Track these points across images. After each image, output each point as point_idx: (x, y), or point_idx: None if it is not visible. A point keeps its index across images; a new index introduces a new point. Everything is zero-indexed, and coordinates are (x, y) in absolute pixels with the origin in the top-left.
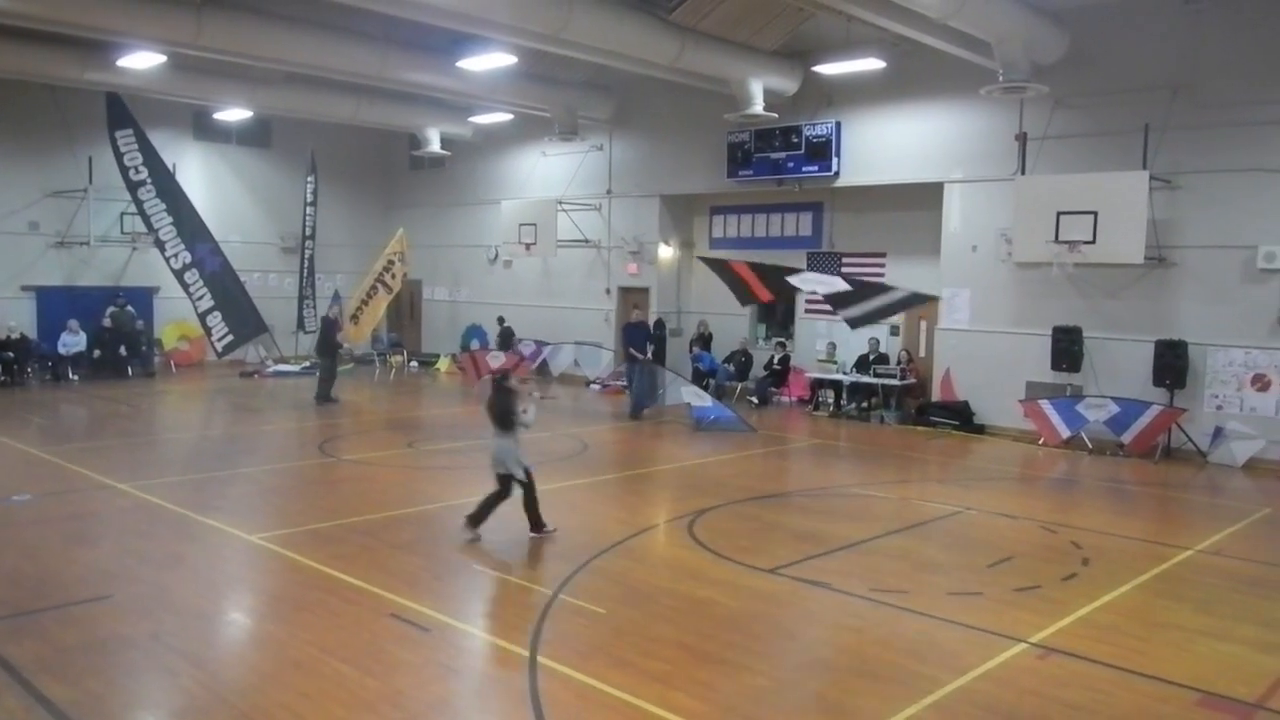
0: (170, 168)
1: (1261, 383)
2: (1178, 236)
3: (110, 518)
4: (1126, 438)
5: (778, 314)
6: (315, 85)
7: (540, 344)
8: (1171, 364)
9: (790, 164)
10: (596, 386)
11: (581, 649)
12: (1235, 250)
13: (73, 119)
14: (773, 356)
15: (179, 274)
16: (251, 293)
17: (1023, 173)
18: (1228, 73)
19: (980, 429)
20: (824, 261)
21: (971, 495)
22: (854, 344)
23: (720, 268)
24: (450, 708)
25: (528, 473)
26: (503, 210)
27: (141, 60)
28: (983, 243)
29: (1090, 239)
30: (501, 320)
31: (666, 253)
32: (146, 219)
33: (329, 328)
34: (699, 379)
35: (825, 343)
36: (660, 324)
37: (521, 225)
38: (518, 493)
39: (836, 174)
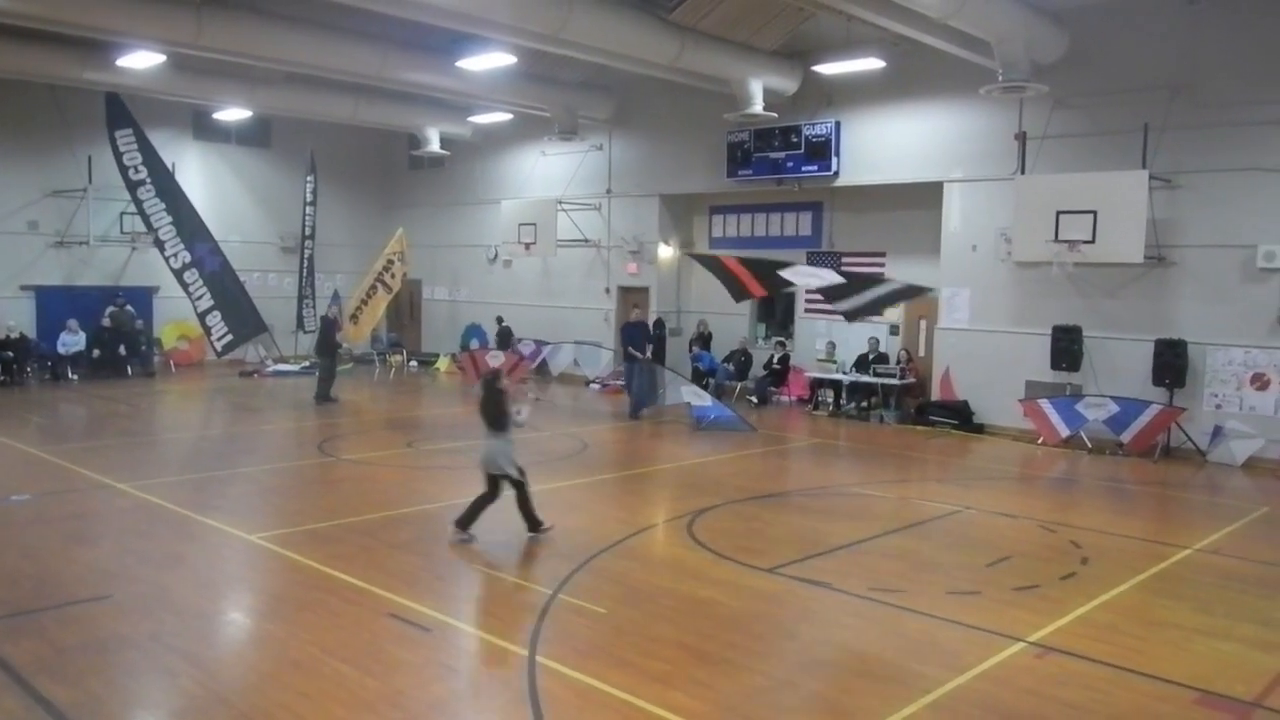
0: (170, 167)
1: (1261, 382)
2: (1177, 236)
3: (110, 517)
4: (1126, 437)
5: (777, 313)
6: (315, 85)
7: (540, 344)
8: (1171, 363)
9: (790, 164)
10: (596, 386)
11: (581, 648)
12: (1234, 249)
13: (72, 118)
14: (772, 356)
15: (178, 274)
16: (251, 292)
17: (1022, 172)
18: (1227, 72)
19: (980, 428)
20: (824, 261)
21: (971, 494)
22: (853, 343)
23: (712, 263)
24: (450, 707)
25: (521, 472)
26: (502, 210)
27: (141, 60)
28: (982, 242)
29: (1090, 238)
30: (500, 320)
31: (666, 252)
32: (146, 219)
33: (328, 327)
34: (698, 378)
35: (825, 342)
36: (660, 323)
37: (521, 225)
38: (509, 493)
39: (836, 174)
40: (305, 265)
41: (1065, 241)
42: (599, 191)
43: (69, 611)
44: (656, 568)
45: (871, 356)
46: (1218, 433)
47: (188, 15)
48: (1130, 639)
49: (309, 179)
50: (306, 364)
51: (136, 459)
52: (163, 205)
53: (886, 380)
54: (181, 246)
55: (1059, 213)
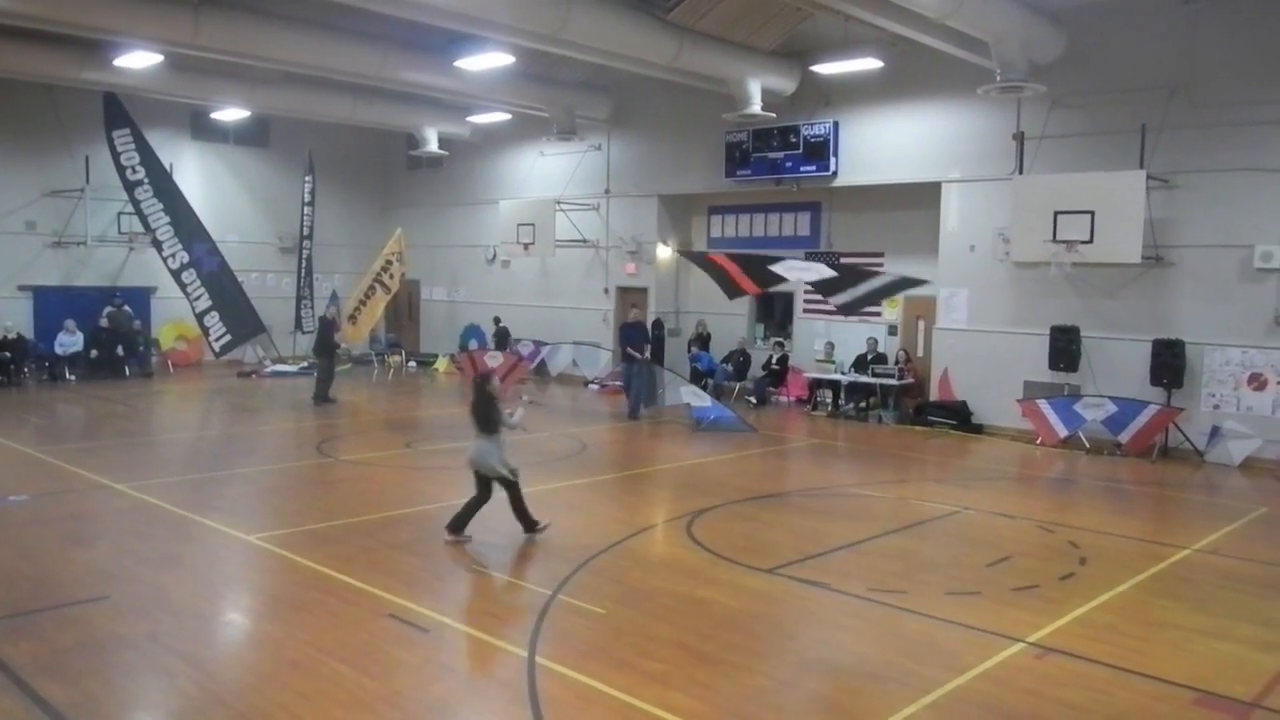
0: (167, 167)
1: (1258, 382)
2: (1175, 236)
3: (107, 518)
4: (1124, 437)
5: (776, 314)
6: (313, 85)
7: (539, 344)
8: (1169, 363)
9: (788, 164)
10: (595, 386)
11: (580, 649)
12: (1232, 250)
13: (70, 118)
14: (771, 356)
15: (176, 274)
16: (249, 293)
17: (1020, 172)
18: (1225, 72)
19: (978, 429)
20: (820, 261)
21: (969, 495)
22: (852, 344)
23: (702, 261)
24: (449, 708)
25: (514, 473)
26: (501, 210)
27: (139, 60)
28: (980, 242)
29: (1088, 238)
30: (497, 320)
31: (665, 253)
32: (144, 219)
33: (327, 328)
34: (697, 379)
35: (823, 343)
36: (659, 324)
37: (520, 225)
38: (500, 494)
39: (834, 174)
40: (303, 265)
41: (1063, 242)
42: (597, 192)
43: (67, 612)
44: (656, 568)
45: (870, 357)
46: (1215, 433)
47: (185, 15)
48: (1129, 639)
49: (307, 179)
50: (305, 364)
51: (134, 459)
52: (160, 205)
53: (885, 381)
54: (179, 247)
55: (1057, 213)
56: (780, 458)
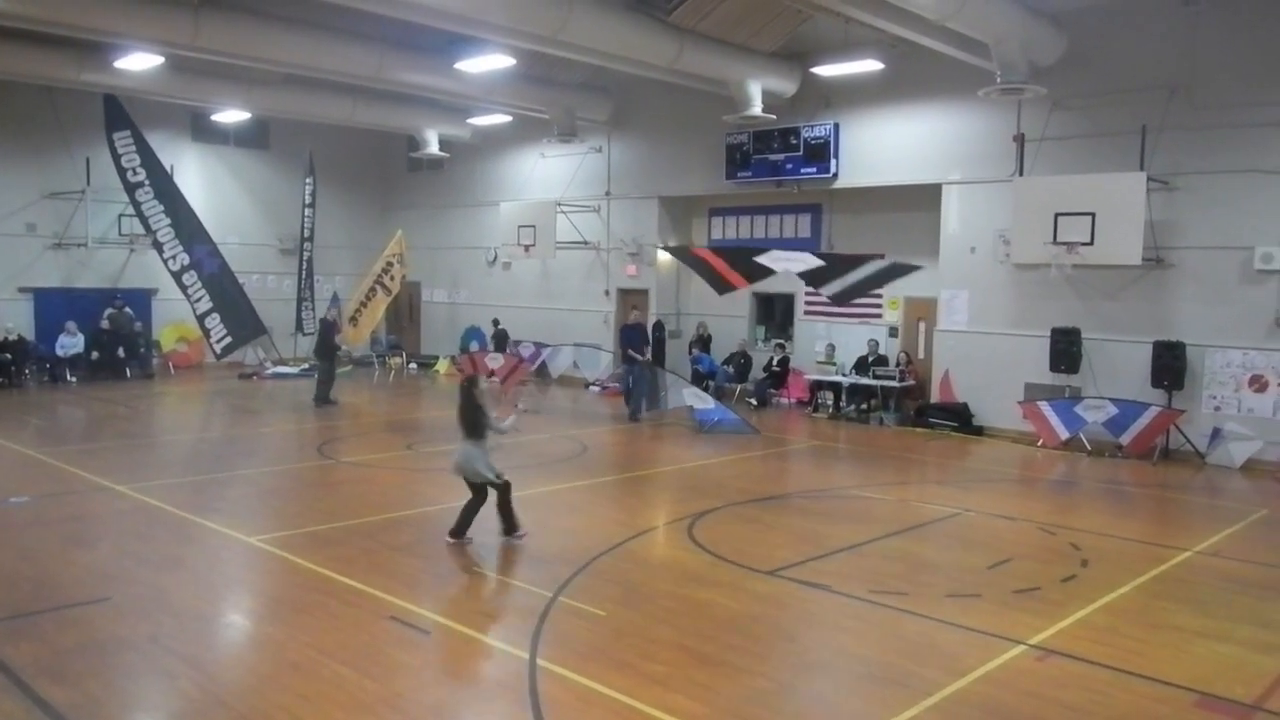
0: (168, 169)
1: (1259, 384)
2: (1175, 238)
3: (108, 519)
4: (1125, 439)
5: (777, 315)
6: (313, 86)
7: (539, 346)
8: (1169, 365)
9: (789, 165)
10: (596, 388)
11: (581, 651)
12: (1233, 251)
13: (70, 120)
14: (772, 358)
15: (177, 276)
16: (250, 294)
17: (1021, 174)
18: (1225, 74)
19: (979, 430)
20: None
21: (970, 497)
22: (853, 346)
23: (685, 255)
24: (450, 710)
25: (500, 476)
26: (501, 212)
27: (139, 61)
28: (981, 244)
29: (1088, 240)
30: (496, 322)
31: (665, 255)
32: (144, 220)
33: (327, 329)
34: (698, 381)
35: (824, 344)
36: (659, 326)
37: (520, 227)
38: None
39: (835, 175)
40: (304, 267)
41: (1064, 243)
42: (598, 193)
43: (68, 614)
44: (657, 570)
45: (871, 359)
46: (1216, 435)
47: (185, 16)
48: (1130, 641)
49: (307, 181)
50: (305, 366)
51: (135, 461)
52: (161, 207)
53: (886, 382)
54: (180, 248)
55: (1057, 214)
56: (781, 460)
